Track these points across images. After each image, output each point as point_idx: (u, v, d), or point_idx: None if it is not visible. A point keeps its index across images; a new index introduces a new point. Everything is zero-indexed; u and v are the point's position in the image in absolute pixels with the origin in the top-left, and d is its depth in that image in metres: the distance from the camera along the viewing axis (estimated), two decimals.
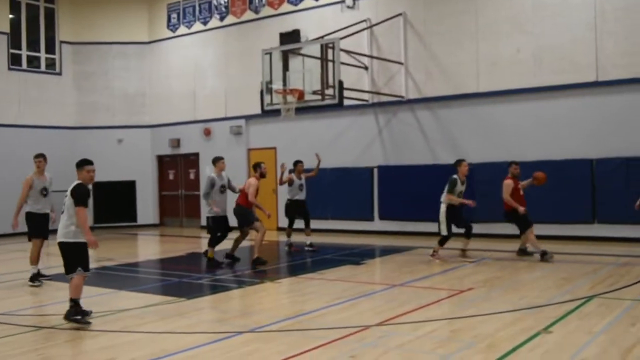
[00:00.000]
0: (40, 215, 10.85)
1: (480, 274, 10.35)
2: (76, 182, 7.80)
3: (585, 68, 14.46)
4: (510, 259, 12.06)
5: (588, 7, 14.44)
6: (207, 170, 21.03)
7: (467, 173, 12.16)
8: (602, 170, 14.17)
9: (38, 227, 10.80)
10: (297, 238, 14.66)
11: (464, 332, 6.66)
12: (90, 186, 7.93)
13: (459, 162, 12.14)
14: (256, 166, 12.62)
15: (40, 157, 11.30)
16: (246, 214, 12.21)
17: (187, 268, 12.54)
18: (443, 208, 11.89)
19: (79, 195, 7.62)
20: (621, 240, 13.74)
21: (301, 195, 14.29)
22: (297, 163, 14.35)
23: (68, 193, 7.70)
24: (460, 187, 11.89)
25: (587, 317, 7.15)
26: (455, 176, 11.93)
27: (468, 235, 12.18)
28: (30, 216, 10.82)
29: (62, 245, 7.69)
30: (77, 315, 7.55)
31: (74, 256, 7.65)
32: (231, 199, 12.58)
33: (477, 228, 15.46)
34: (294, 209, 14.33)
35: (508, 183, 12.03)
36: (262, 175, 12.50)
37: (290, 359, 5.88)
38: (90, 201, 18.22)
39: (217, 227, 12.34)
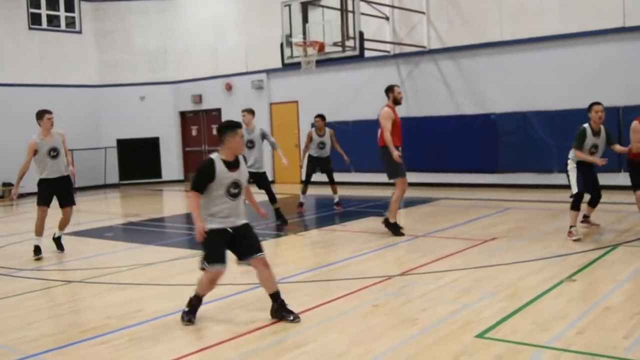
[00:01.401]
0: (49, 180, 9.60)
1: (503, 224, 10.33)
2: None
3: (612, 14, 14.10)
4: (535, 209, 11.98)
5: None
6: None
7: (603, 119, 9.04)
8: (629, 118, 13.86)
9: (43, 194, 9.60)
10: (324, 192, 14.64)
11: (486, 281, 6.67)
12: None
13: (591, 106, 9.05)
14: (388, 90, 10.24)
15: (48, 113, 10.09)
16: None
17: None
18: (571, 165, 9.07)
19: None
20: None
21: (322, 153, 13.16)
22: (316, 118, 13.31)
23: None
24: (592, 140, 8.96)
25: (612, 266, 7.12)
26: (585, 125, 9.02)
27: (593, 203, 9.49)
28: (38, 183, 9.68)
29: None
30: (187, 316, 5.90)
31: None
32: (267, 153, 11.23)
33: (501, 178, 15.46)
34: (312, 166, 13.26)
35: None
36: (396, 102, 10.16)
37: (313, 309, 5.95)
38: (115, 158, 18.42)
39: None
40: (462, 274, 7.04)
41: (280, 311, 5.73)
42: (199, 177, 5.68)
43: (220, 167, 5.65)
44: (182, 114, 23.01)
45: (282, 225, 11.37)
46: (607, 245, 8.15)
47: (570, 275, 6.72)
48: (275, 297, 5.80)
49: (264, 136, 11.47)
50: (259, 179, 11.40)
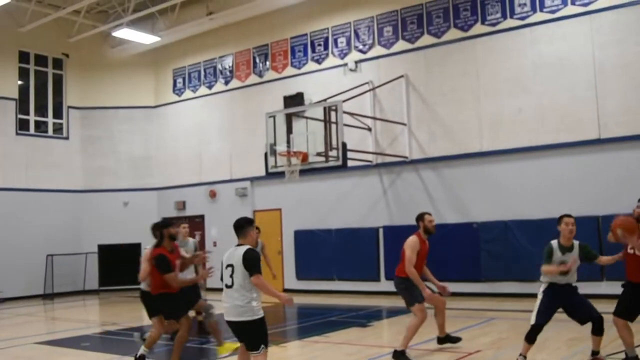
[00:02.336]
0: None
1: (487, 336, 10.21)
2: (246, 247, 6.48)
3: (587, 126, 14.55)
4: (518, 319, 11.87)
5: (587, 66, 14.63)
6: (213, 232, 21.12)
7: (574, 233, 7.95)
8: (607, 228, 14.08)
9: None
10: (306, 301, 14.45)
11: None
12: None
13: (560, 218, 7.98)
14: (419, 219, 9.92)
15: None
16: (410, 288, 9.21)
17: (193, 332, 12.37)
18: (541, 288, 8.03)
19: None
20: None
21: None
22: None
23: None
24: (560, 257, 7.87)
25: None
26: (552, 242, 8.02)
27: (596, 331, 7.98)
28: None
29: None
30: None
31: None
32: None
33: (485, 287, 15.40)
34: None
35: None
36: (428, 231, 9.69)
37: None
38: (95, 264, 18.35)
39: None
40: None
41: None
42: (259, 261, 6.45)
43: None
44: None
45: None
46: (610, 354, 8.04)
47: None
48: None
49: (196, 249, 11.93)
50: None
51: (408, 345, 8.84)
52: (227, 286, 6.36)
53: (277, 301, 13.54)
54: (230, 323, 6.44)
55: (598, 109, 14.45)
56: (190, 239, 12.01)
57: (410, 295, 9.07)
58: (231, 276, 6.33)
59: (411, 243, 9.37)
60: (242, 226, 6.55)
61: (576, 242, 7.97)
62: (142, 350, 8.61)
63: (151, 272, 8.45)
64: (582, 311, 7.92)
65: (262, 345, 6.31)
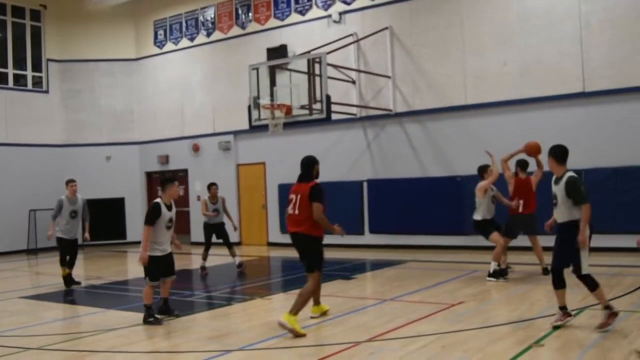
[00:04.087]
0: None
1: (470, 287, 10.31)
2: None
3: (572, 79, 14.52)
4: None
5: (573, 19, 14.53)
6: (196, 186, 21.06)
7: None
8: (591, 181, 14.18)
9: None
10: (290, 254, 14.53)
11: (454, 347, 6.61)
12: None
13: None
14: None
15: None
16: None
17: (177, 285, 12.40)
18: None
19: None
20: (611, 250, 13.74)
21: (217, 219, 13.56)
22: (210, 186, 13.74)
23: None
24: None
25: (579, 330, 7.12)
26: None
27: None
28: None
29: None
30: (150, 318, 8.50)
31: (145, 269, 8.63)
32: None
33: (468, 240, 15.50)
34: (208, 232, 13.62)
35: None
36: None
37: None
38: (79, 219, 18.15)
39: (64, 247, 12.27)
40: (431, 339, 6.97)
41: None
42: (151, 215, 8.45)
43: (163, 209, 8.53)
44: (148, 175, 22.87)
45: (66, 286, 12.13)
46: (573, 309, 8.15)
47: (538, 340, 6.69)
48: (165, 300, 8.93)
49: (84, 206, 12.43)
50: (75, 246, 12.44)
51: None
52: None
53: (261, 254, 13.68)
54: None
55: (583, 63, 14.40)
56: (79, 196, 12.41)
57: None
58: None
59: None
60: (161, 183, 8.87)
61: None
62: None
63: None
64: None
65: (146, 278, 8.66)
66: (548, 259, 8.38)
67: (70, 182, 12.39)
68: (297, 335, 7.24)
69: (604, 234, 13.98)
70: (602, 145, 14.13)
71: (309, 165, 8.10)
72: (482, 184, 10.98)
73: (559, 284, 7.39)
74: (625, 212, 13.78)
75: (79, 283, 12.41)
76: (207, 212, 13.49)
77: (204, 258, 13.65)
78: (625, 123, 13.93)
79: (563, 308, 7.37)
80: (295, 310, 7.43)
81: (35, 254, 19.68)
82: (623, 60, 13.98)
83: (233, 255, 13.62)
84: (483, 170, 11.33)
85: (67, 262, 12.32)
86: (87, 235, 12.61)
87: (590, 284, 7.25)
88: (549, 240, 14.40)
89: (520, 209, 11.03)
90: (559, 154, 7.98)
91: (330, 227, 7.90)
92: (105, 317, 9.33)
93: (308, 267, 7.97)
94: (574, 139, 14.42)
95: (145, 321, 8.48)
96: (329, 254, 15.76)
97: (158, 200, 8.62)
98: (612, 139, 14.05)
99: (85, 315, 9.55)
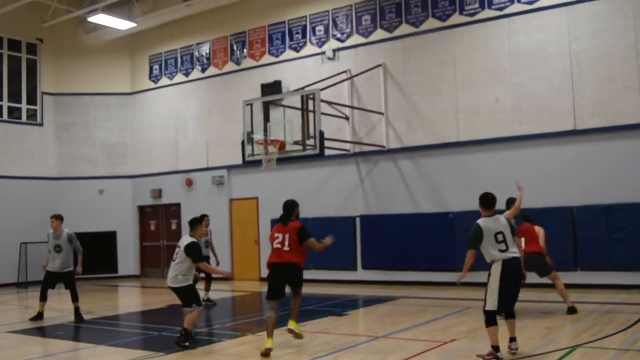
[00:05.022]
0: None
1: (463, 325, 10.27)
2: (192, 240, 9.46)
3: (563, 117, 14.67)
4: None
5: (563, 57, 14.73)
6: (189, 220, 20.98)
7: None
8: (583, 218, 14.26)
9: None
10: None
11: None
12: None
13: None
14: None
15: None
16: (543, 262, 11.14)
17: (169, 320, 12.33)
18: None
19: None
20: (604, 287, 13.74)
21: (205, 252, 13.38)
22: (203, 217, 12.77)
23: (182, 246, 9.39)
24: None
25: None
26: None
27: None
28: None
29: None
30: (187, 342, 9.09)
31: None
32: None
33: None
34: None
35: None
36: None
37: None
38: (71, 252, 18.32)
39: (46, 280, 12.61)
40: None
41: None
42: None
43: None
44: (141, 208, 22.82)
45: (77, 323, 12.15)
46: (566, 347, 8.13)
47: None
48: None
49: (70, 240, 12.49)
50: (66, 278, 12.55)
51: None
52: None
53: (253, 290, 13.62)
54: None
55: (574, 101, 14.57)
56: (66, 231, 12.56)
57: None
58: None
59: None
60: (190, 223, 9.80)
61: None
62: None
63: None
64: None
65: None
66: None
67: (52, 217, 12.74)
68: (301, 337, 9.15)
69: (597, 271, 14.03)
70: (594, 182, 14.21)
71: (290, 208, 9.29)
72: (507, 214, 10.29)
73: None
74: (618, 249, 13.81)
75: (82, 319, 12.41)
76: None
77: (207, 289, 13.88)
78: (617, 160, 14.04)
79: (495, 347, 7.56)
80: (296, 317, 9.21)
81: (25, 287, 19.50)
82: (613, 98, 14.15)
83: (207, 289, 13.97)
84: (511, 202, 10.98)
85: (71, 296, 12.56)
86: (79, 268, 12.68)
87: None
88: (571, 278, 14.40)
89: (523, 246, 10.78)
90: (481, 200, 8.50)
91: (325, 245, 9.23)
92: (95, 352, 9.23)
93: (297, 287, 9.20)
94: (566, 176, 14.60)
95: (181, 344, 8.99)
96: (321, 290, 15.74)
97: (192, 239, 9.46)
98: (603, 177, 14.14)
99: (74, 351, 9.45)
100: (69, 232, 12.59)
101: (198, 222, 9.70)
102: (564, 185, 14.58)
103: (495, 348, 7.50)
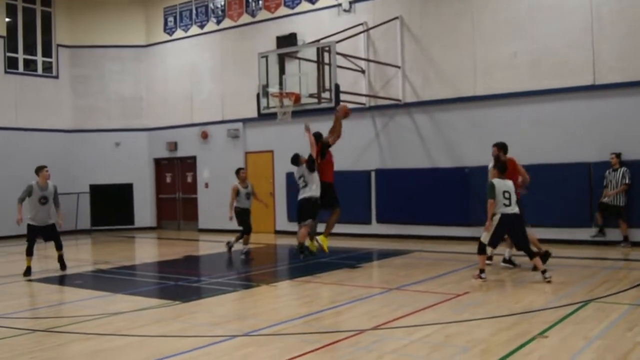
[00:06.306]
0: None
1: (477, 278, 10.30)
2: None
3: (582, 71, 14.43)
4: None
5: (584, 10, 14.42)
6: (204, 174, 21.11)
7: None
8: (600, 174, 14.13)
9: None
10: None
11: (458, 337, 6.62)
12: None
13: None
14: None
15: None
16: None
17: (184, 271, 12.51)
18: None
19: None
20: (619, 242, 13.70)
21: (249, 204, 14.08)
22: (238, 171, 14.22)
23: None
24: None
25: (584, 322, 7.11)
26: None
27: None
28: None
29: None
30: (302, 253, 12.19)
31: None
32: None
33: (474, 231, 15.48)
34: (242, 217, 14.02)
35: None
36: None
37: None
38: (87, 204, 18.69)
39: (33, 235, 12.22)
40: (435, 329, 6.98)
41: None
42: None
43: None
44: (157, 161, 22.93)
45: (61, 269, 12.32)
46: (579, 301, 8.16)
47: (542, 331, 6.69)
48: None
49: (55, 193, 12.28)
50: (50, 230, 12.28)
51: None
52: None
53: (268, 242, 13.75)
54: None
55: (594, 55, 14.31)
56: (50, 183, 12.28)
57: None
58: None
59: None
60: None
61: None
62: None
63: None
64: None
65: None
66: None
67: (42, 168, 12.27)
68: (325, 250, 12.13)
69: (613, 227, 13.97)
70: (612, 138, 14.04)
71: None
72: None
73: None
74: (635, 205, 13.71)
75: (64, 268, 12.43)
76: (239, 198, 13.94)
77: (247, 242, 13.98)
78: (636, 116, 13.84)
79: (481, 270, 10.02)
80: (327, 233, 12.42)
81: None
82: (634, 53, 13.88)
83: (246, 242, 13.96)
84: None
85: (55, 246, 12.41)
86: (60, 221, 12.51)
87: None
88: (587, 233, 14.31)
89: None
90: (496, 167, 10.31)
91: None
92: (112, 300, 9.38)
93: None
94: (583, 132, 14.43)
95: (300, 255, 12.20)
96: (335, 243, 15.83)
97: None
98: (621, 132, 13.97)
99: (92, 299, 9.60)
100: (54, 184, 12.39)
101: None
102: (581, 140, 14.43)
103: (482, 271, 9.97)
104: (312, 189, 12.37)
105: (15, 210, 12.04)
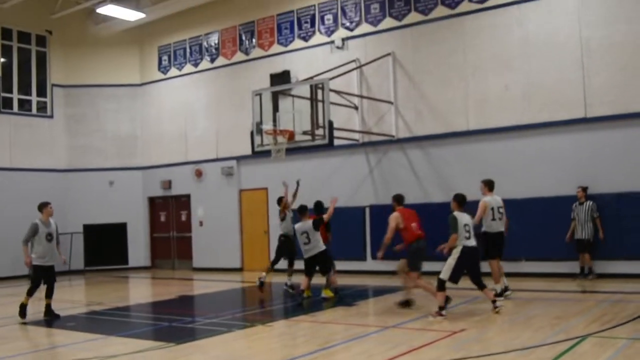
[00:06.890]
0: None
1: (473, 314, 10.25)
2: None
3: (574, 105, 14.54)
4: (504, 298, 11.92)
5: (574, 44, 14.59)
6: (199, 212, 21.06)
7: None
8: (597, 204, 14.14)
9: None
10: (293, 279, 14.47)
11: None
12: None
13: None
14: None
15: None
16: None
17: (178, 311, 12.39)
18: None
19: None
20: (614, 276, 13.67)
21: (287, 229, 14.26)
22: (280, 200, 14.54)
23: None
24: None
25: (581, 358, 7.05)
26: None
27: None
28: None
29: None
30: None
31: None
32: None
33: None
34: (288, 246, 14.21)
35: None
36: None
37: None
38: (81, 244, 18.60)
39: (40, 277, 11.70)
40: None
41: None
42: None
43: None
44: (151, 200, 22.89)
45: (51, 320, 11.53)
46: (576, 336, 8.10)
47: None
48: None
49: (57, 229, 12.02)
50: (52, 272, 11.91)
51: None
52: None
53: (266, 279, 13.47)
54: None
55: (584, 88, 14.44)
56: (52, 220, 12.03)
57: None
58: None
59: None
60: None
61: None
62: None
63: None
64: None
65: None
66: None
67: (46, 204, 11.93)
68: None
69: (607, 260, 13.95)
70: (604, 171, 14.10)
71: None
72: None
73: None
74: (630, 237, 13.70)
75: (58, 316, 11.73)
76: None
77: (290, 274, 14.17)
78: (628, 149, 13.91)
79: (441, 307, 9.99)
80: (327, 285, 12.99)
81: None
82: (623, 86, 14.01)
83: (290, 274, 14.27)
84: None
85: (46, 291, 11.80)
86: (64, 257, 12.27)
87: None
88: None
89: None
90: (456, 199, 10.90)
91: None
92: (107, 343, 9.27)
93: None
94: (576, 164, 14.48)
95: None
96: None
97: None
98: (614, 164, 14.03)
99: (86, 342, 9.49)
100: (55, 221, 12.07)
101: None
102: (574, 172, 14.47)
103: (441, 308, 9.94)
104: (321, 244, 12.53)
105: (15, 251, 11.75)
